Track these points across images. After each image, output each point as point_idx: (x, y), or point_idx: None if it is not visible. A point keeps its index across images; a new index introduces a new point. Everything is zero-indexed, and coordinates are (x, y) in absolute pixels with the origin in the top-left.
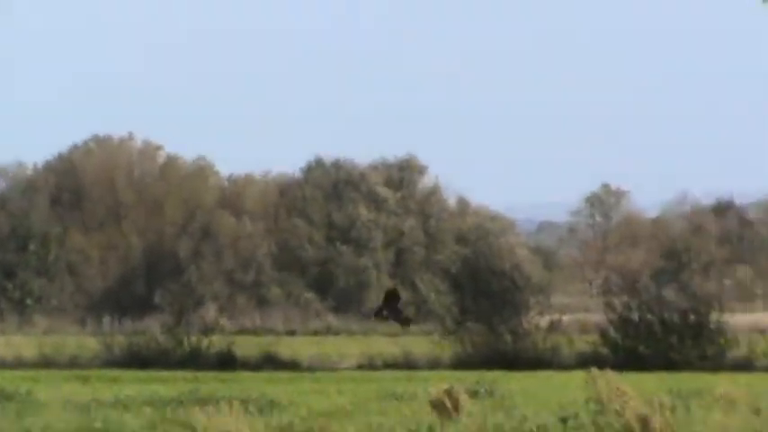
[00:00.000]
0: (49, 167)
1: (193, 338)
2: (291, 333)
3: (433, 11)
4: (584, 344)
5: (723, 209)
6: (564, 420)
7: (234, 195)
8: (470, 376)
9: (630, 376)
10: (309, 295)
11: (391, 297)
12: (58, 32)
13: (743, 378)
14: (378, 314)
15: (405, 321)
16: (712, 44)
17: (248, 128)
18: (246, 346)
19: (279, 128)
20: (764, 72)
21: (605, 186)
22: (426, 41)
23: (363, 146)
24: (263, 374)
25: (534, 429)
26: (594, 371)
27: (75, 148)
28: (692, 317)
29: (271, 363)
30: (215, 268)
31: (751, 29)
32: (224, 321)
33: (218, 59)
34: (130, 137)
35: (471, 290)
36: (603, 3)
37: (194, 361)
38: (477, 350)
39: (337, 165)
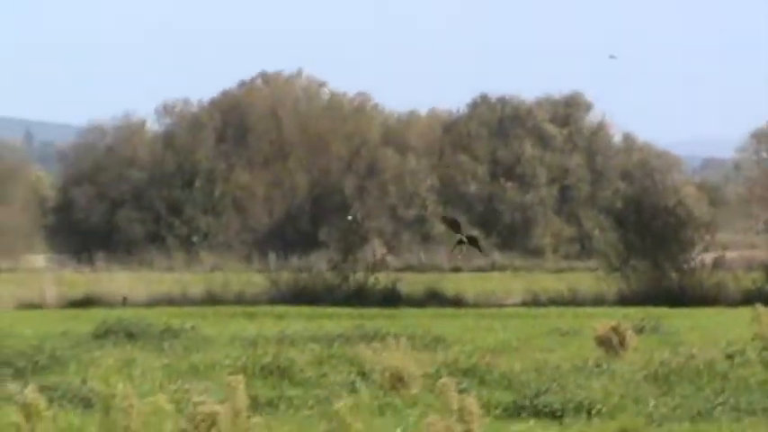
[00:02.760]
0: (215, 104)
1: (359, 275)
2: (456, 270)
3: None
4: (749, 281)
5: None
6: (730, 357)
7: (398, 132)
8: (635, 313)
9: None
10: (474, 232)
11: (453, 224)
12: None
13: None
14: (459, 243)
15: (473, 241)
16: None
17: (411, 68)
18: (411, 283)
19: (442, 67)
20: None
21: None
22: None
23: (528, 82)
24: (428, 311)
25: (701, 366)
26: (760, 307)
27: (242, 84)
28: None
29: (435, 299)
30: (380, 205)
31: None
32: (389, 258)
33: None
34: (298, 73)
35: (636, 227)
36: None
37: (359, 297)
38: (641, 287)
39: (503, 101)
